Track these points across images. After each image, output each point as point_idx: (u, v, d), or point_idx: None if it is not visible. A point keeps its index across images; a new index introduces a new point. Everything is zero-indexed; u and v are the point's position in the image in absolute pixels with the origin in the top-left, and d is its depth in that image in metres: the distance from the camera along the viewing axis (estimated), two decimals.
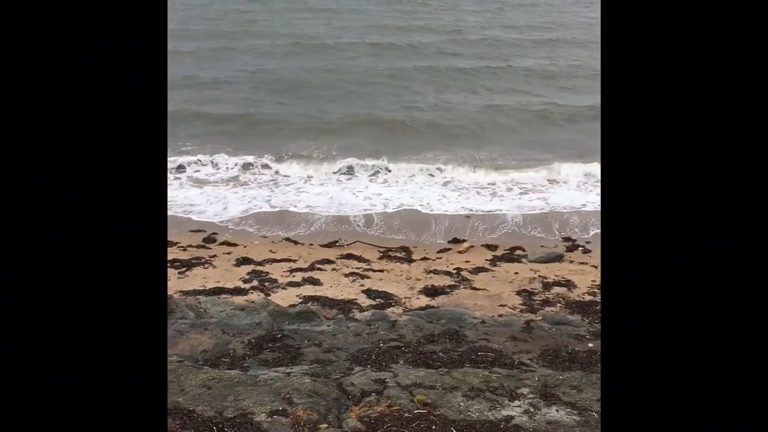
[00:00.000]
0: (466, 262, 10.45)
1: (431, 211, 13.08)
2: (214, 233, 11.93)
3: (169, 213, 12.31)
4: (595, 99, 17.23)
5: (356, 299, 8.45)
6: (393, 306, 8.30)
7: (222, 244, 11.39)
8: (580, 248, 11.25)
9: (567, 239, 11.74)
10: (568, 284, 9.26)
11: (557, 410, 3.60)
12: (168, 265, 9.47)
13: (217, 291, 8.79)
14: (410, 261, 10.58)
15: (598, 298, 8.37)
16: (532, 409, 3.60)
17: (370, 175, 14.97)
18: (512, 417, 3.51)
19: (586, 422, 3.45)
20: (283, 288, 9.10)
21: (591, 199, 13.37)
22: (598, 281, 9.22)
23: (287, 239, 11.76)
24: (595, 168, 14.26)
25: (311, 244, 11.46)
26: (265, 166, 15.43)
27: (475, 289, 9.12)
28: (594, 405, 3.64)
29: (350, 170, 15.15)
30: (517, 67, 23.95)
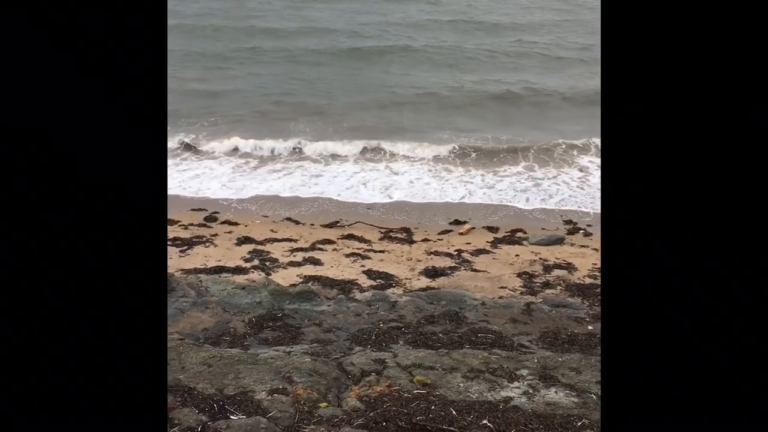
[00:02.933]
0: (467, 243, 10.45)
1: (432, 192, 13.05)
2: (216, 212, 11.93)
3: (171, 192, 12.27)
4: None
5: (357, 279, 8.46)
6: (393, 287, 8.31)
7: (223, 223, 11.39)
8: (581, 231, 11.25)
9: (568, 222, 11.73)
10: (569, 267, 9.27)
11: (556, 392, 3.61)
12: (169, 243, 9.48)
13: (218, 270, 8.80)
14: (411, 242, 10.58)
15: (599, 281, 8.38)
16: (531, 391, 3.62)
17: (371, 159, 14.95)
18: (511, 398, 3.53)
19: (584, 404, 3.46)
20: (283, 267, 9.11)
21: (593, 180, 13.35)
22: (599, 264, 9.23)
23: (288, 219, 11.75)
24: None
25: (312, 224, 11.46)
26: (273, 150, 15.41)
27: (475, 270, 9.12)
28: (593, 387, 3.66)
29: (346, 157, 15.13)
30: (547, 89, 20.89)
